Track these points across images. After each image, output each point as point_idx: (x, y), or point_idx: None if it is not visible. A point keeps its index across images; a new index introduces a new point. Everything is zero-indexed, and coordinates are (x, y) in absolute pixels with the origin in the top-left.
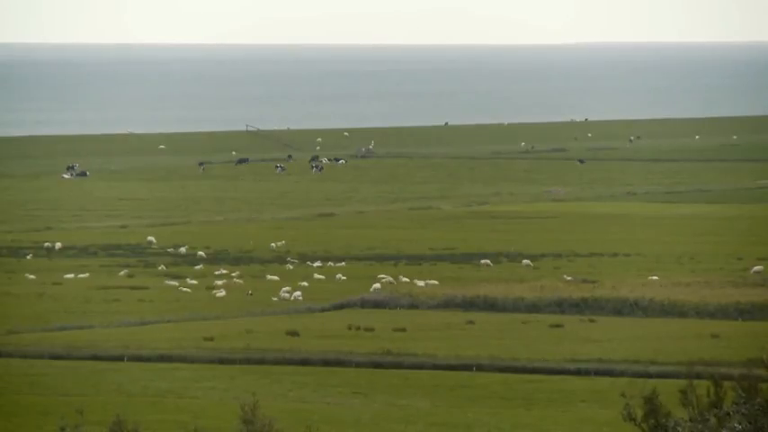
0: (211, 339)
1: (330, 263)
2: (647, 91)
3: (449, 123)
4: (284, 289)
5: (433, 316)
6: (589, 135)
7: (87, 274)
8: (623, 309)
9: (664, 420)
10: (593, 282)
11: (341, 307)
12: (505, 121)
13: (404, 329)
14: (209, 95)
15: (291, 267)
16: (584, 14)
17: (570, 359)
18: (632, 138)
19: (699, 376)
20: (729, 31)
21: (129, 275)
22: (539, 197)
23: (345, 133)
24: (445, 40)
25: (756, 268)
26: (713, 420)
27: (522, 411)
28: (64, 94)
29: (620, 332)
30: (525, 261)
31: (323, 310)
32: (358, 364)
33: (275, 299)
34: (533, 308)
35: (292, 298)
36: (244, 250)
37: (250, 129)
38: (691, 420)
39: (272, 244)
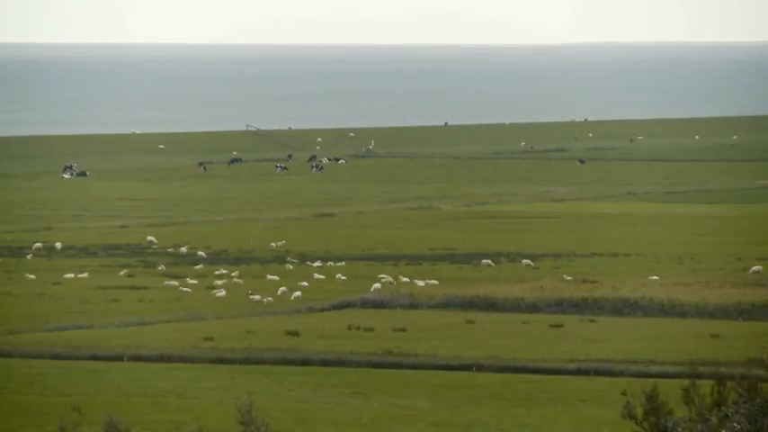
0: (211, 339)
1: (330, 263)
2: (647, 91)
3: (449, 123)
4: (282, 289)
5: (433, 316)
6: (590, 135)
7: (87, 274)
8: (623, 309)
9: (664, 420)
10: (593, 282)
11: (341, 307)
12: (505, 121)
13: (404, 329)
14: (210, 95)
15: (291, 267)
16: (584, 15)
17: (570, 359)
18: (634, 138)
19: (700, 376)
20: (730, 31)
21: (129, 275)
22: (539, 197)
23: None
24: (446, 40)
25: (755, 268)
26: (714, 420)
27: (522, 411)
28: (64, 94)
29: (620, 332)
30: (525, 261)
31: (323, 310)
32: (358, 364)
33: (269, 299)
34: (533, 308)
35: (287, 298)
36: (244, 250)
37: (250, 129)
38: (691, 420)
39: (272, 244)
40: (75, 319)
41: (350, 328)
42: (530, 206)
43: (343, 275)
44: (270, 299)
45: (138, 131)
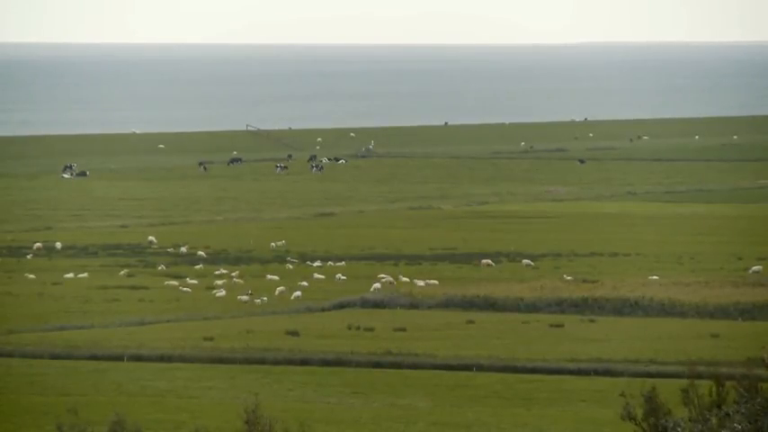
0: (211, 339)
1: (330, 263)
2: (646, 91)
3: (449, 123)
4: (280, 288)
5: (433, 316)
6: (590, 135)
7: (86, 274)
8: (623, 309)
9: (664, 420)
10: (594, 282)
11: (341, 307)
12: (505, 121)
13: (404, 329)
14: (210, 95)
15: (291, 267)
16: (584, 15)
17: (570, 359)
18: (637, 138)
19: (700, 376)
20: (729, 31)
21: (129, 275)
22: (539, 197)
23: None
24: (446, 40)
25: (755, 268)
26: (714, 420)
27: (522, 411)
28: (64, 93)
29: (620, 332)
30: (525, 261)
31: (323, 309)
32: (358, 364)
33: (263, 299)
34: (533, 308)
35: (285, 298)
36: (244, 250)
37: (250, 129)
38: (691, 420)
39: (272, 244)
40: (75, 319)
41: (350, 328)
42: (530, 206)
43: (343, 275)
44: (264, 299)
45: (138, 131)
